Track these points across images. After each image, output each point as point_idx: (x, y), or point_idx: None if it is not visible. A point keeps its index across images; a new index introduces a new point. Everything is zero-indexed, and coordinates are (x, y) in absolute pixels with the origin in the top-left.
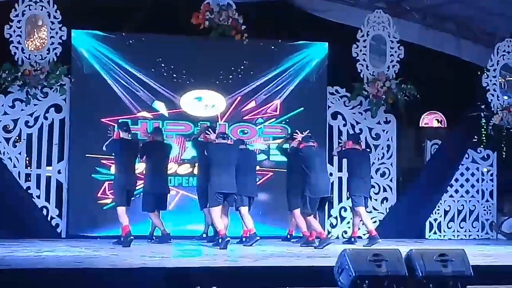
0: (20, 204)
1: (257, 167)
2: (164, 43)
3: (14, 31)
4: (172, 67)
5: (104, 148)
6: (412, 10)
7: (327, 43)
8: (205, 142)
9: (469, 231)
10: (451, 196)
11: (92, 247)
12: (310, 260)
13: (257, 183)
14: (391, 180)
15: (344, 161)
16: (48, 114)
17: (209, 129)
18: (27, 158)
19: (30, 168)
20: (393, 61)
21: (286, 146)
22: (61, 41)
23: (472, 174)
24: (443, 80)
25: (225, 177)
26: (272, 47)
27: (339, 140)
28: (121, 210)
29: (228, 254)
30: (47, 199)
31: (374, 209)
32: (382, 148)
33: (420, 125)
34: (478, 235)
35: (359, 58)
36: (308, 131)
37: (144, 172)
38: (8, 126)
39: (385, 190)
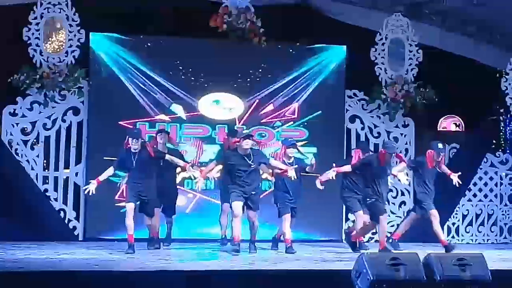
0: (37, 207)
1: None
2: (182, 46)
3: (33, 34)
4: (190, 70)
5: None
6: (431, 14)
7: (345, 46)
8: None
9: (487, 235)
10: (469, 200)
11: (109, 250)
12: (327, 264)
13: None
14: (409, 184)
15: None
16: (66, 117)
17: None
18: (45, 161)
19: (48, 170)
20: (411, 65)
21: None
22: (79, 43)
23: (491, 178)
24: (461, 83)
25: None
26: (290, 50)
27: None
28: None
29: (244, 257)
30: (65, 201)
31: (392, 213)
32: (400, 152)
33: (438, 129)
34: (496, 240)
35: (378, 62)
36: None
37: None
38: (26, 129)
39: (403, 194)
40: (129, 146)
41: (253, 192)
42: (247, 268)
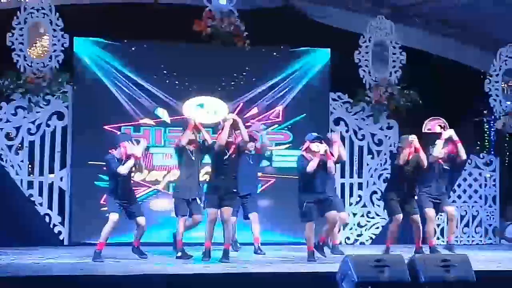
0: (22, 212)
1: (260, 174)
2: (166, 50)
3: (16, 39)
4: (174, 73)
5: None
6: (415, 16)
7: (329, 49)
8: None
9: (472, 236)
10: (453, 201)
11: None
12: (312, 266)
13: (261, 188)
14: None
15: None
16: (50, 122)
17: None
18: (30, 166)
19: (33, 175)
20: (395, 67)
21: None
22: (63, 48)
23: (475, 180)
24: (446, 85)
25: None
26: (274, 54)
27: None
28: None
29: (231, 260)
30: (50, 206)
31: (377, 214)
32: (385, 154)
33: (423, 131)
34: (481, 241)
35: (361, 64)
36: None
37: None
38: (10, 134)
39: None
40: None
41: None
42: (232, 271)
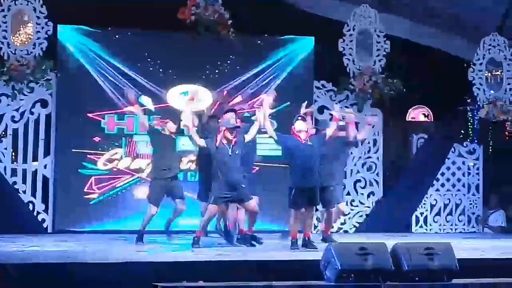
0: (6, 199)
1: None
2: (150, 38)
3: (0, 26)
4: (159, 61)
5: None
6: (400, 5)
7: (313, 37)
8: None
9: (455, 225)
10: (437, 190)
11: (78, 242)
12: (296, 254)
13: None
14: (377, 174)
15: None
16: (34, 109)
17: None
18: (13, 153)
19: (16, 163)
20: (379, 56)
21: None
22: (47, 36)
23: (459, 168)
24: (430, 74)
25: None
26: (259, 42)
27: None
28: None
29: (216, 248)
30: (33, 194)
31: (361, 203)
32: (369, 143)
33: (407, 119)
34: (464, 229)
35: (346, 53)
36: None
37: None
38: None
39: (371, 184)
40: None
41: None
42: (216, 259)
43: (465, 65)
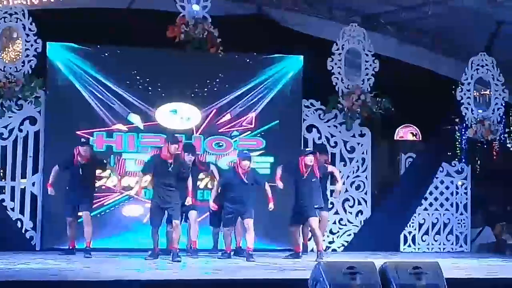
0: None
1: None
2: (139, 56)
3: None
4: (148, 79)
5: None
6: (388, 24)
7: (302, 56)
8: None
9: (444, 244)
10: (425, 209)
11: (66, 260)
12: (284, 273)
13: None
14: (365, 193)
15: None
16: (22, 127)
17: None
18: (1, 170)
19: (5, 180)
20: (368, 75)
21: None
22: (36, 53)
23: (447, 188)
24: (418, 93)
25: None
26: (247, 60)
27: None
28: None
29: (203, 266)
30: (22, 211)
31: (349, 221)
32: (357, 161)
33: (395, 138)
34: (452, 248)
35: (334, 71)
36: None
37: None
38: None
39: (359, 203)
40: None
41: None
42: (203, 278)
43: (453, 86)
